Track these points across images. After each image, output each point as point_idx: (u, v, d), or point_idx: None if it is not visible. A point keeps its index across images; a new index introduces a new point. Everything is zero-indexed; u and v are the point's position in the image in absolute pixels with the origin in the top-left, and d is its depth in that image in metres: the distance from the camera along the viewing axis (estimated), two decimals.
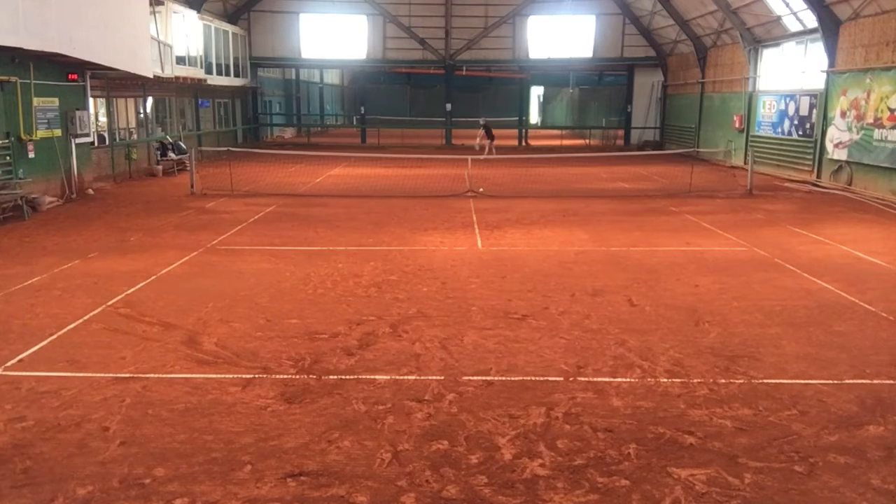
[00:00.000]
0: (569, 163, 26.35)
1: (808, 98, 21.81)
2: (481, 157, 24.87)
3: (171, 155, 23.80)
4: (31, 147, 15.91)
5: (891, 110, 17.42)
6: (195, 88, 27.59)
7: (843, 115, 19.55)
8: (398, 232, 13.22)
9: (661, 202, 17.32)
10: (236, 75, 32.11)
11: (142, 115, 23.83)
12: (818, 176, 20.96)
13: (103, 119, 21.12)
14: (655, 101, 35.83)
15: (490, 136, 28.64)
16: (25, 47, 13.89)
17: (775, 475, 4.70)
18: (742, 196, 18.28)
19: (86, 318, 7.91)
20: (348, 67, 47.36)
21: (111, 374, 6.32)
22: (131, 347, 6.99)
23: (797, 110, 22.45)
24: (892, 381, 6.29)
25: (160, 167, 23.22)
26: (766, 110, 24.52)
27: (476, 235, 12.95)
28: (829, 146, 20.33)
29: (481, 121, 30.13)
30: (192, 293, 8.94)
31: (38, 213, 14.98)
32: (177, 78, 24.09)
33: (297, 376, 6.30)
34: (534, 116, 58.69)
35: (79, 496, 4.42)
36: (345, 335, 7.39)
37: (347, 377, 6.29)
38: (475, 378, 6.28)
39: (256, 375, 6.31)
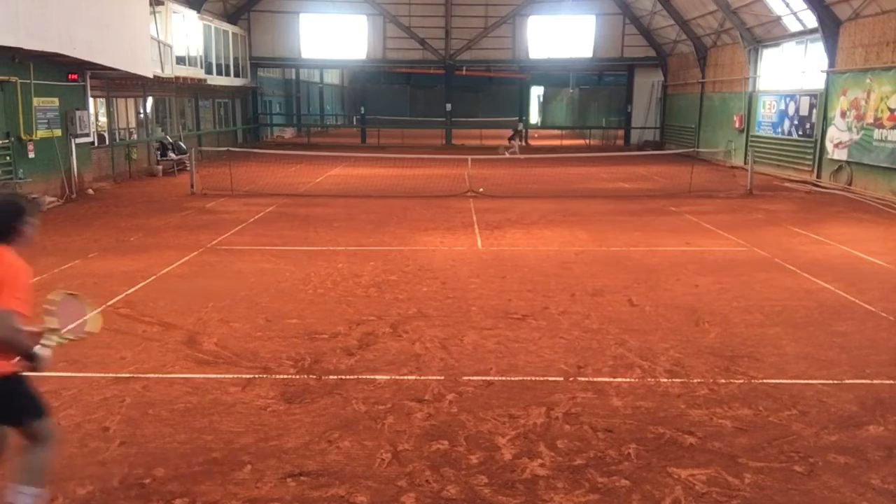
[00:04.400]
0: (569, 163, 26.33)
1: (808, 98, 21.81)
2: (516, 155, 28.83)
3: (171, 155, 23.78)
4: (31, 147, 15.91)
5: (891, 110, 17.42)
6: (195, 88, 27.58)
7: (843, 115, 19.55)
8: (398, 232, 13.22)
9: (661, 202, 17.32)
10: (236, 75, 32.10)
11: (142, 115, 23.83)
12: (818, 176, 20.96)
13: (103, 119, 21.12)
14: (655, 102, 35.81)
15: (516, 137, 31.44)
16: (25, 47, 13.89)
17: (775, 475, 4.69)
18: (742, 196, 18.28)
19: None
20: (348, 67, 47.34)
21: (111, 374, 6.31)
22: (131, 347, 6.99)
23: (797, 110, 22.45)
24: (892, 381, 6.29)
25: (160, 167, 23.22)
26: (766, 110, 24.53)
27: (476, 235, 12.95)
28: (829, 146, 20.33)
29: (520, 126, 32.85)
30: (192, 293, 8.94)
31: (37, 213, 14.96)
32: (177, 78, 24.09)
33: (297, 376, 6.30)
34: (534, 116, 58.65)
35: (79, 496, 4.42)
36: (345, 335, 7.39)
37: (347, 377, 6.29)
38: (475, 378, 6.28)
39: (256, 375, 6.31)
